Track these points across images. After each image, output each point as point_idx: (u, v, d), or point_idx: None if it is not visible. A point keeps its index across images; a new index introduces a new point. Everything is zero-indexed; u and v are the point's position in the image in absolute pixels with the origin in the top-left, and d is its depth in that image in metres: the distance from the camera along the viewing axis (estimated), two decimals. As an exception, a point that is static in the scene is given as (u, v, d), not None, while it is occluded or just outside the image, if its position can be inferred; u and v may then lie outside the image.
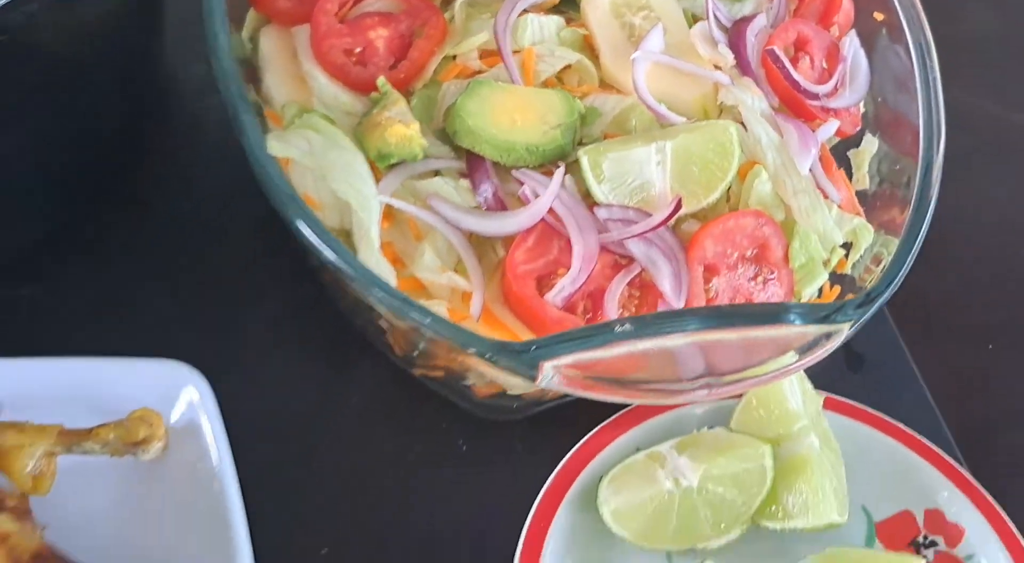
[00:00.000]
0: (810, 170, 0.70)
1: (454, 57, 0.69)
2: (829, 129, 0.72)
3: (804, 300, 0.69)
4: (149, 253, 0.70)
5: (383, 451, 0.66)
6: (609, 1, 0.72)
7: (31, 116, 0.64)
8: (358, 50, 0.68)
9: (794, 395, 0.64)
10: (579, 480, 0.62)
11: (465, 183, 0.65)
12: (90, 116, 0.69)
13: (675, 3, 0.74)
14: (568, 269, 0.63)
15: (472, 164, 0.65)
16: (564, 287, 0.62)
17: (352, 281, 0.58)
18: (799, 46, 0.75)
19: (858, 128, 0.77)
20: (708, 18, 0.72)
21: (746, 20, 0.73)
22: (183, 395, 0.60)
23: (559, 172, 0.64)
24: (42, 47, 0.65)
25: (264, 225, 0.73)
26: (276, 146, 0.62)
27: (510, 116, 0.66)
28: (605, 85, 0.71)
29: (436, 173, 0.66)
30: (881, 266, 0.67)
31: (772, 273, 0.67)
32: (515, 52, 0.69)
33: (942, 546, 0.64)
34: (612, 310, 0.63)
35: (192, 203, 0.73)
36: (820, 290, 0.70)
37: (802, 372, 0.66)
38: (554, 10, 0.73)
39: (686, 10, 0.75)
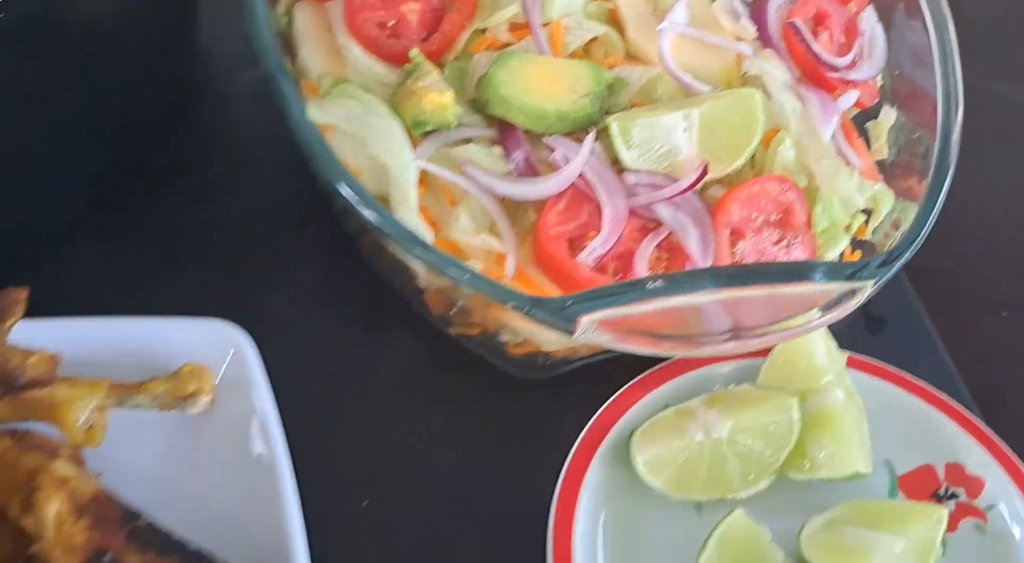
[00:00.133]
0: (832, 137, 0.72)
1: (484, 30, 0.71)
2: (850, 98, 0.74)
3: (827, 263, 0.70)
4: (191, 220, 0.72)
5: (421, 408, 0.68)
6: (634, -25, 0.74)
7: (80, 88, 0.66)
8: (391, 23, 0.69)
9: (820, 352, 0.66)
10: (610, 436, 0.64)
11: (497, 150, 0.67)
12: (133, 87, 0.71)
13: (698, -24, 0.76)
14: (598, 232, 0.65)
15: (504, 132, 0.67)
16: (595, 248, 0.64)
17: (393, 240, 0.60)
18: (818, 21, 0.77)
19: (876, 100, 0.79)
20: (730, -9, 0.74)
21: (767, -6, 0.75)
22: (229, 353, 0.62)
23: (590, 137, 0.66)
24: (86, 24, 0.67)
25: (301, 195, 0.75)
26: (317, 113, 0.64)
27: (540, 85, 0.68)
28: (631, 57, 0.73)
29: (468, 141, 0.68)
30: (900, 230, 0.69)
31: (796, 237, 0.69)
32: (543, 25, 0.71)
33: (963, 497, 0.66)
34: (642, 271, 0.65)
35: (230, 172, 0.75)
36: (841, 255, 0.72)
37: (828, 332, 0.68)
38: (581, -16, 0.75)
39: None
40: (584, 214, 0.65)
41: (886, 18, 0.79)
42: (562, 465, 0.63)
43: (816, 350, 0.66)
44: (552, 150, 0.66)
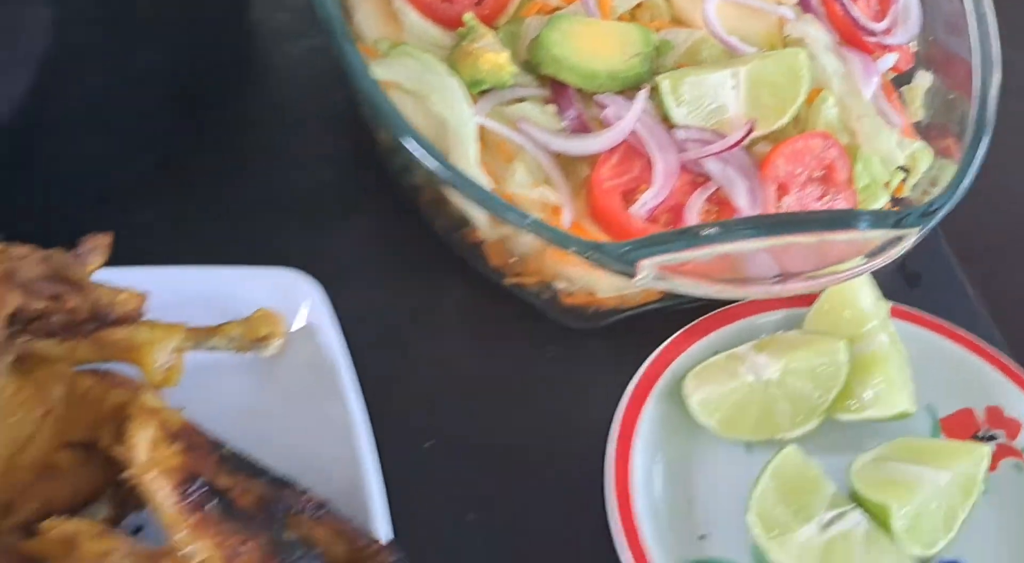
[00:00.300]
0: (873, 97, 0.74)
1: (534, -6, 0.74)
2: (889, 60, 0.77)
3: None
4: (253, 177, 0.75)
5: (478, 356, 0.71)
6: (679, -59, 0.77)
7: (152, 52, 0.70)
8: (445, -13, 0.72)
9: (865, 299, 0.68)
10: (662, 379, 0.66)
11: (551, 108, 0.69)
12: (195, 50, 0.74)
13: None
14: (649, 185, 0.68)
15: (557, 91, 0.70)
16: (647, 200, 0.67)
17: (458, 189, 0.62)
18: (854, -13, 0.80)
19: (911, 66, 0.82)
20: (771, -42, 0.77)
21: (806, -40, 0.78)
22: (300, 299, 0.64)
23: (642, 93, 0.68)
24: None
25: (361, 157, 0.78)
26: (380, 71, 0.67)
27: (591, 46, 0.70)
28: (675, 21, 0.76)
29: (522, 100, 0.70)
30: (938, 187, 0.72)
31: (838, 193, 0.72)
32: (592, -11, 0.74)
33: (1002, 438, 0.69)
34: (693, 222, 0.67)
35: (290, 134, 0.78)
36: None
37: (873, 282, 0.70)
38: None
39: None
40: (636, 168, 0.68)
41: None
42: (614, 410, 0.66)
43: (862, 297, 0.68)
44: (604, 107, 0.69)
